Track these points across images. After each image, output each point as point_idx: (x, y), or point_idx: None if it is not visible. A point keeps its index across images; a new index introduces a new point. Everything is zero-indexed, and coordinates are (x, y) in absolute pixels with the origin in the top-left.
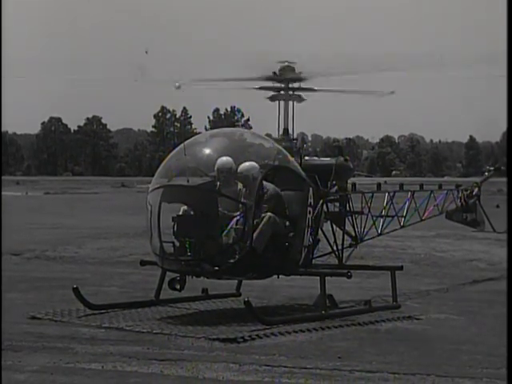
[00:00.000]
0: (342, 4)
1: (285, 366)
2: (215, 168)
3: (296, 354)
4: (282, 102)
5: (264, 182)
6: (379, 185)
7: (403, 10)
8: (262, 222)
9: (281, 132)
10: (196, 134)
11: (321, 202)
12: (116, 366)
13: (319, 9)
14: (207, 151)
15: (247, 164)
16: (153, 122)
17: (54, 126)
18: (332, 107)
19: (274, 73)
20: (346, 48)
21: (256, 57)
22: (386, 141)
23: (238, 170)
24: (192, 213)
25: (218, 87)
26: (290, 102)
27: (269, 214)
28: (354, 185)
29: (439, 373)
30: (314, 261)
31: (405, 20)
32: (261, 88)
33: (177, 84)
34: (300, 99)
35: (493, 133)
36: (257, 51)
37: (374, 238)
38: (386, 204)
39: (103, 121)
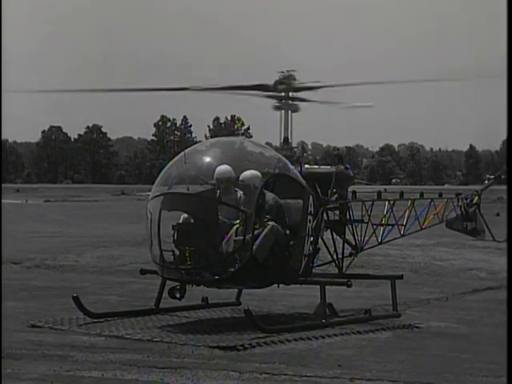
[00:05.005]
0: (342, 13)
1: (285, 374)
2: (214, 177)
3: (296, 362)
4: (282, 111)
5: (264, 191)
6: (379, 193)
7: (402, 19)
8: (265, 231)
9: (281, 141)
10: (196, 142)
11: (321, 210)
12: (116, 374)
13: (319, 17)
14: (207, 159)
15: (249, 173)
16: (153, 130)
17: (54, 135)
18: (332, 116)
19: (275, 82)
20: (346, 54)
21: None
22: (386, 149)
23: (240, 179)
24: (192, 221)
25: (219, 95)
26: (290, 112)
27: (271, 223)
28: (354, 193)
29: (439, 381)
30: (314, 270)
31: (405, 30)
32: (260, 97)
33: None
34: (299, 108)
35: (493, 141)
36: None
37: (374, 246)
38: (386, 212)
39: (103, 129)
